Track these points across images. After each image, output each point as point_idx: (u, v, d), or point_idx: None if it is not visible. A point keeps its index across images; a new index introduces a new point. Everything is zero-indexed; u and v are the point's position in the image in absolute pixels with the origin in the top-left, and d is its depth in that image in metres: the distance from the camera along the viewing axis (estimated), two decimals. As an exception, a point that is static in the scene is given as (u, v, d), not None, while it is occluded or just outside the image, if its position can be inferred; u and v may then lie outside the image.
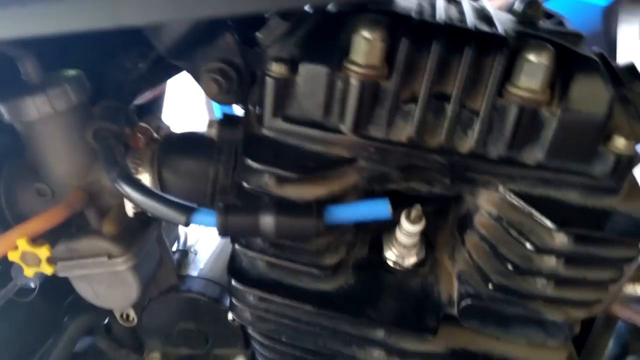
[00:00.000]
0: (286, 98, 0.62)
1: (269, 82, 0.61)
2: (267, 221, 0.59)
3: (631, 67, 0.64)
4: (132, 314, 0.97)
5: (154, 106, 1.18)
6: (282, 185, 0.63)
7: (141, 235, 0.86)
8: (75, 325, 1.01)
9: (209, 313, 1.00)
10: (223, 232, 0.59)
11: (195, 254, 1.10)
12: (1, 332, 0.98)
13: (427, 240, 0.74)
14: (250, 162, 0.62)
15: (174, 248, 1.11)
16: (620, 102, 0.60)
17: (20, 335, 1.01)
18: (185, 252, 1.09)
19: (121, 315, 0.97)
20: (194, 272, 1.05)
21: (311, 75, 0.60)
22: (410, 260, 0.70)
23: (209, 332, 1.02)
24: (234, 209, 0.60)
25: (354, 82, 0.59)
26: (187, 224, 0.60)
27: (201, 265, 1.06)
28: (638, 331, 0.96)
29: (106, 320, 1.10)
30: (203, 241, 1.13)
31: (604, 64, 0.62)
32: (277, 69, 0.61)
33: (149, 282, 0.92)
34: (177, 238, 1.13)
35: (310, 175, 0.62)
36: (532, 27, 0.62)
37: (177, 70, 0.89)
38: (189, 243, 1.13)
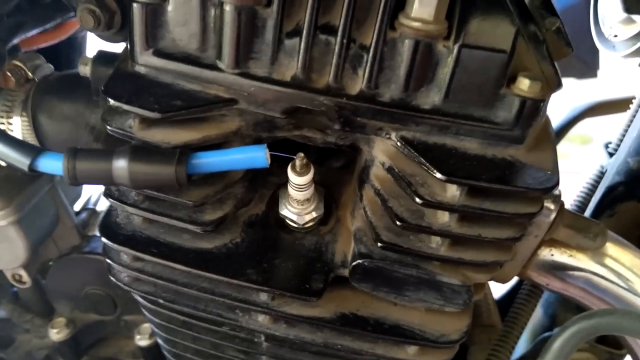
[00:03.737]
0: (157, 28, 0.55)
1: (136, 9, 0.53)
2: (121, 167, 0.51)
3: (545, 2, 0.56)
4: (25, 276, 0.89)
5: (70, 51, 1.09)
6: (147, 128, 0.55)
7: (26, 189, 0.78)
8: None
9: (114, 276, 0.93)
10: (72, 180, 0.52)
11: (108, 214, 1.02)
12: None
13: (333, 197, 0.68)
14: (109, 99, 0.54)
15: (82, 207, 1.03)
16: (529, 40, 0.53)
17: None
18: (94, 212, 1.01)
19: (13, 277, 0.90)
20: (103, 233, 0.97)
21: (182, 0, 0.53)
22: (307, 217, 0.64)
23: (117, 297, 0.95)
24: (84, 153, 0.52)
25: (227, 8, 0.51)
26: (30, 169, 0.52)
27: (111, 226, 0.98)
28: (567, 300, 0.92)
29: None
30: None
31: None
32: None
33: (41, 240, 0.84)
34: (89, 197, 1.05)
35: (177, 116, 0.54)
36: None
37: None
38: (99, 202, 1.05)
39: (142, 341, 0.95)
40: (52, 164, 0.52)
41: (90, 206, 1.03)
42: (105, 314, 0.99)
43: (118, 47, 0.72)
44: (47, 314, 1.03)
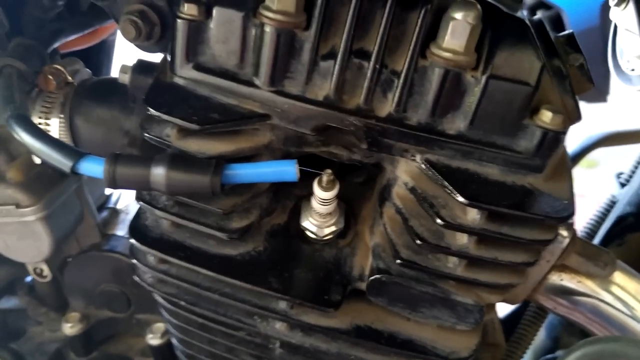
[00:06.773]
0: (199, 44, 0.57)
1: (180, 25, 0.56)
2: (159, 174, 0.54)
3: (570, 38, 0.59)
4: (46, 270, 0.92)
5: (100, 54, 1.12)
6: (184, 138, 0.58)
7: (55, 187, 0.81)
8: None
9: (131, 275, 0.95)
10: (111, 184, 0.54)
11: (127, 214, 1.04)
12: None
13: (352, 212, 0.70)
14: (150, 109, 0.57)
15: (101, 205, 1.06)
16: (554, 74, 0.56)
17: None
18: (115, 211, 1.04)
19: (34, 270, 0.92)
20: (122, 232, 1.00)
21: (225, 20, 0.55)
22: (327, 230, 0.66)
23: (132, 295, 0.98)
24: (125, 158, 0.55)
25: (268, 29, 0.54)
26: (72, 171, 0.55)
27: (130, 226, 1.01)
28: (570, 324, 0.94)
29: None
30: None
31: (541, 33, 0.58)
32: (189, 10, 0.56)
33: (65, 237, 0.87)
34: (109, 196, 1.07)
35: (213, 129, 0.57)
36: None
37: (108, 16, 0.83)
38: (122, 203, 1.08)
39: (153, 340, 0.97)
40: (94, 168, 0.55)
41: (111, 205, 1.06)
42: (118, 312, 1.01)
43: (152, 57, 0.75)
44: (61, 308, 1.05)
